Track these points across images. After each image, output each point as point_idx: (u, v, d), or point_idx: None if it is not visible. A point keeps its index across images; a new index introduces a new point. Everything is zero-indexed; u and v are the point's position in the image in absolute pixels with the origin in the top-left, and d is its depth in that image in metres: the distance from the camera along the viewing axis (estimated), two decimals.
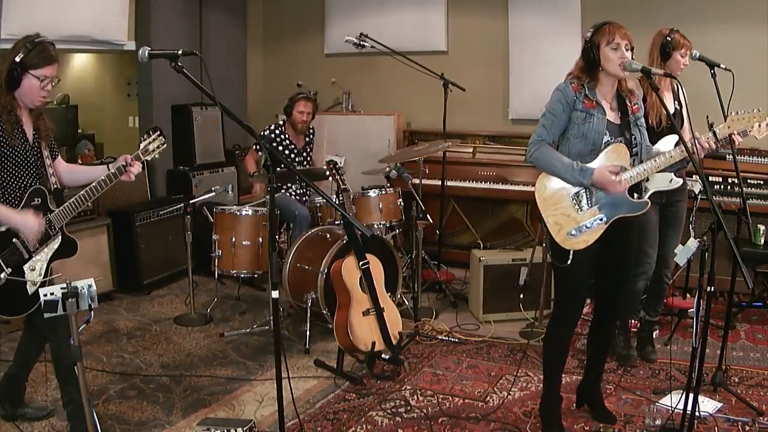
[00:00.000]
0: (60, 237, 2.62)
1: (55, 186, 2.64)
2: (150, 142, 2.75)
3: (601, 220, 2.59)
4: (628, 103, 2.64)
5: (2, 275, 2.44)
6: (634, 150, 2.62)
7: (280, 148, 4.77)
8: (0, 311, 2.50)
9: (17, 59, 2.43)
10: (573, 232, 2.59)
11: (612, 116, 2.61)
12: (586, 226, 2.58)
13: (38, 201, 2.56)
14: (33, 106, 2.57)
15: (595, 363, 2.94)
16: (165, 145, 2.81)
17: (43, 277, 2.55)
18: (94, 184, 2.60)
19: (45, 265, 2.56)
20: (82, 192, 2.59)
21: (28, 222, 2.48)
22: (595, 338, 2.94)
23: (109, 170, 2.64)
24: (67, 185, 2.77)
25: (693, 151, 2.54)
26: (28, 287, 2.49)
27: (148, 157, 2.76)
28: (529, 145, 2.65)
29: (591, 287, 2.86)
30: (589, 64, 2.59)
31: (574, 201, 2.61)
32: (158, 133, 2.78)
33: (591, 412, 2.97)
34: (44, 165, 2.63)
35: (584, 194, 2.60)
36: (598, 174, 2.53)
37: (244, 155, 5.68)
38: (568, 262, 2.60)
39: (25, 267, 2.50)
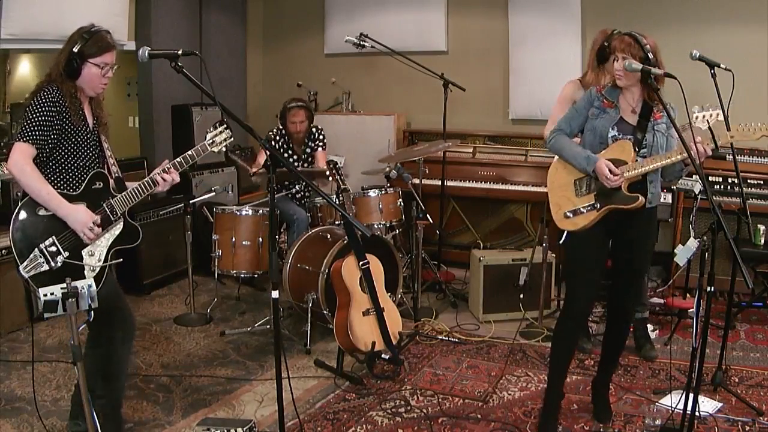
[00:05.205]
0: (122, 223, 2.56)
1: (116, 174, 2.58)
2: (217, 134, 2.67)
3: (593, 206, 2.71)
4: (654, 110, 2.70)
5: (59, 258, 2.36)
6: (642, 151, 2.67)
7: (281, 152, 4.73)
8: None
9: (75, 50, 2.40)
10: (568, 214, 2.77)
11: (629, 117, 2.71)
12: (580, 210, 2.75)
13: (100, 185, 2.51)
14: (95, 94, 2.53)
15: (608, 361, 2.99)
16: (232, 138, 2.71)
17: (103, 263, 2.48)
18: (153, 174, 2.56)
19: (105, 251, 2.49)
20: (145, 179, 2.55)
21: (77, 214, 2.39)
22: (609, 337, 2.98)
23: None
24: None
25: (692, 149, 2.55)
26: (86, 273, 2.41)
27: (215, 149, 2.68)
28: (549, 133, 2.87)
29: (602, 288, 2.97)
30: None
31: (576, 185, 2.78)
32: (225, 126, 2.68)
33: (593, 406, 3.00)
34: (104, 154, 2.57)
35: (585, 181, 2.75)
36: (599, 164, 2.66)
37: (245, 155, 5.69)
38: (561, 241, 2.90)
39: (84, 251, 2.43)
